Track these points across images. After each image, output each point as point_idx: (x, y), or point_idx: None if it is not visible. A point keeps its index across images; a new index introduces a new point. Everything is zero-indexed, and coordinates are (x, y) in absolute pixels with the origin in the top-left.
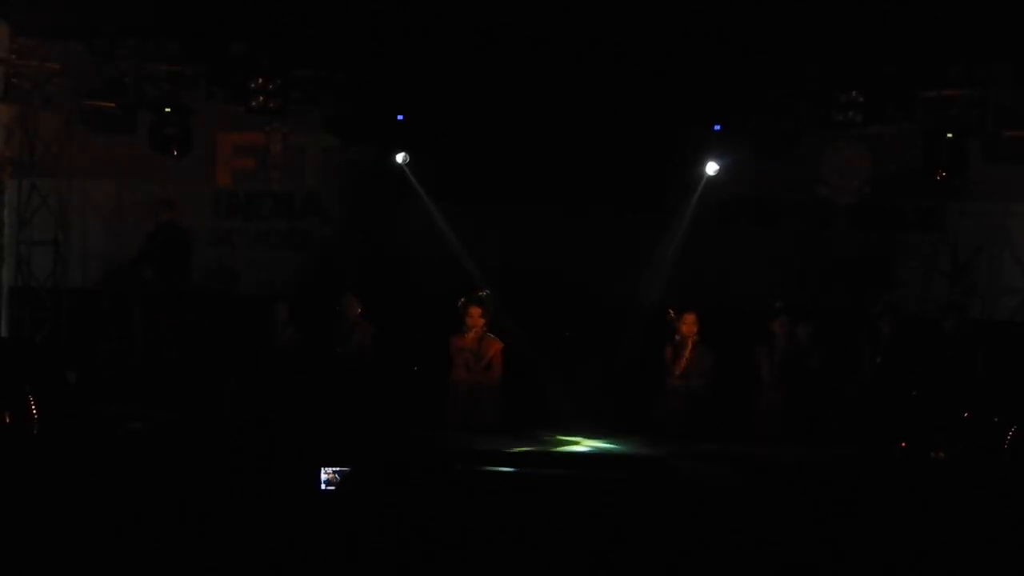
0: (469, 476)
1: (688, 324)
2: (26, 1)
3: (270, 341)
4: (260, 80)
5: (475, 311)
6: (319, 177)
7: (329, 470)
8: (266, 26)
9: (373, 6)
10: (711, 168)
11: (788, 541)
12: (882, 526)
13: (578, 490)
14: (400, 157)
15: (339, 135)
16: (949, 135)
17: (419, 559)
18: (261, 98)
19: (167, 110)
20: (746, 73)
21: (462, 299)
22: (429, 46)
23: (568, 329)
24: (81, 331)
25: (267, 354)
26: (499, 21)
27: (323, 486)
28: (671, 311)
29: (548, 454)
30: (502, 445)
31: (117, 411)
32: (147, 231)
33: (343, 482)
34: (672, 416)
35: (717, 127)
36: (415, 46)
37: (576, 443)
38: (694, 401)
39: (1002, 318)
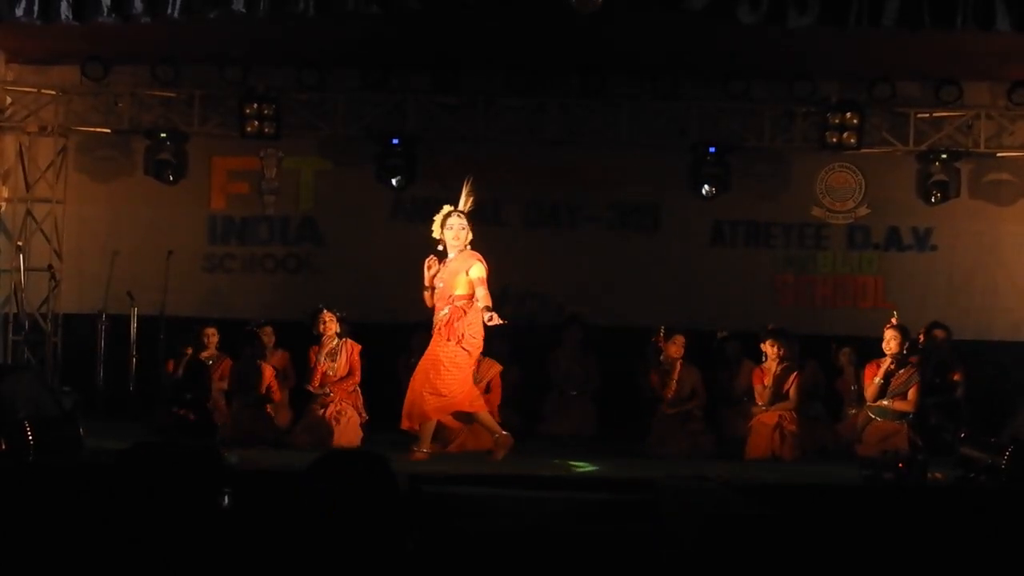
0: (464, 499)
1: (676, 346)
2: (20, 27)
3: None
4: (255, 105)
5: None
6: (314, 202)
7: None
8: (260, 51)
9: (364, 31)
10: (705, 190)
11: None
12: (883, 547)
13: (576, 513)
14: (395, 182)
15: (334, 159)
16: (943, 156)
17: None
18: (256, 123)
19: (162, 136)
20: (740, 95)
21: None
22: (421, 70)
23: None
24: (77, 356)
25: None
26: (492, 47)
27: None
28: (660, 334)
29: (544, 477)
30: (499, 468)
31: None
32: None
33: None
34: (665, 439)
35: (712, 149)
36: (407, 70)
37: (579, 467)
38: (688, 423)
39: (997, 338)
